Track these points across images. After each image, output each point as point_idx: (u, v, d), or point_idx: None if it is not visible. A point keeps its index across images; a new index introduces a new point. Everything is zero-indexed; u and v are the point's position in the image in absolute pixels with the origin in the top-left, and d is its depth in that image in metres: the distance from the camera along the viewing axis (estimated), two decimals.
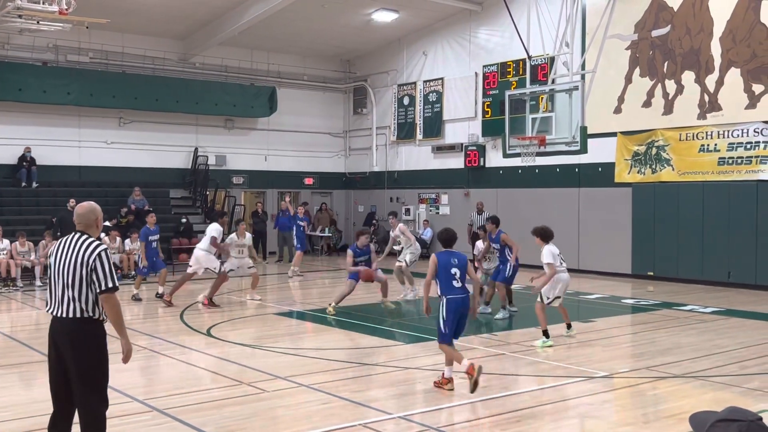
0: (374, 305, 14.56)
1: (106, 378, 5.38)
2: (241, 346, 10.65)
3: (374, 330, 11.94)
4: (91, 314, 5.23)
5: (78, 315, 5.19)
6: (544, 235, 10.96)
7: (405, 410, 7.31)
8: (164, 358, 9.81)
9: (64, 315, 5.20)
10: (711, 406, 6.42)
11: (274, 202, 26.97)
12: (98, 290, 5.19)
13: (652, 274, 18.70)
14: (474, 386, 7.63)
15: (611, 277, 19.32)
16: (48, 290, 5.31)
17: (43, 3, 16.82)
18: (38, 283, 17.54)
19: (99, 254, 5.20)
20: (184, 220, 21.91)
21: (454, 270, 8.00)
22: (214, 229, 14.71)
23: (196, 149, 25.02)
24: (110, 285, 5.20)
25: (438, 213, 25.02)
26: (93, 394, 5.25)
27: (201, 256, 14.50)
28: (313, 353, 10.09)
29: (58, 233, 17.76)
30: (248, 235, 15.71)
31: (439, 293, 8.11)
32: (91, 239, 5.31)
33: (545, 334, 10.58)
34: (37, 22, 17.77)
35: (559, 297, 10.94)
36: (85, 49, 22.98)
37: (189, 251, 21.09)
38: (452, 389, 7.97)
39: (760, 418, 2.23)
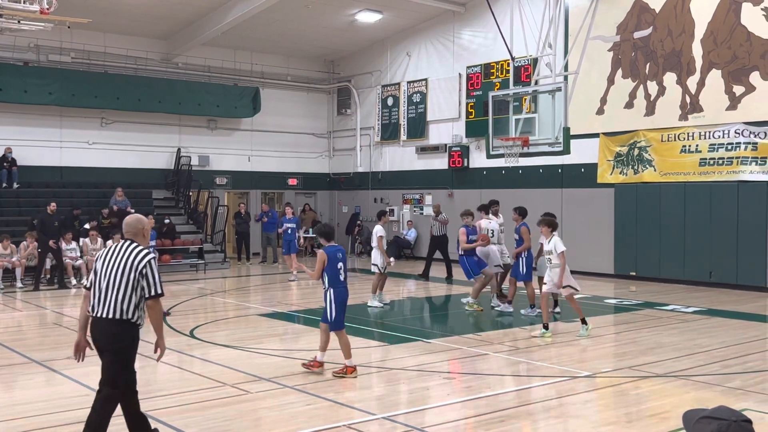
0: (359, 306, 14.56)
1: (127, 374, 5.79)
2: (224, 348, 10.61)
3: (357, 331, 11.92)
4: (129, 317, 5.59)
5: (118, 317, 5.55)
6: (553, 224, 11.79)
7: (389, 411, 7.31)
8: (147, 360, 9.75)
9: (105, 315, 5.57)
10: (693, 405, 6.47)
11: (257, 203, 26.89)
12: (147, 295, 5.60)
13: (634, 274, 18.82)
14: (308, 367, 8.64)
15: (594, 277, 19.40)
16: (92, 292, 5.66)
17: (24, 2, 16.66)
18: (19, 284, 17.37)
19: (149, 261, 5.64)
20: (167, 221, 21.79)
21: (339, 264, 8.70)
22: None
23: (179, 150, 24.90)
24: (159, 291, 5.64)
25: (422, 213, 25.04)
26: (113, 387, 5.74)
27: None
28: (297, 354, 10.07)
29: (58, 233, 17.65)
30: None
31: (326, 285, 8.64)
32: (140, 247, 5.74)
33: (546, 327, 11.06)
34: (18, 22, 17.61)
35: (570, 286, 11.39)
36: (67, 48, 22.81)
37: (171, 252, 21.06)
38: (322, 372, 8.63)
39: (747, 420, 2.25)
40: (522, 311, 13.38)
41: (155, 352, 5.86)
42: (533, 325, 12.21)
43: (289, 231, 20.23)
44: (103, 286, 5.60)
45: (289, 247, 20.04)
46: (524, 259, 13.21)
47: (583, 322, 11.29)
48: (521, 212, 13.65)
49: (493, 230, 14.21)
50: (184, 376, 8.97)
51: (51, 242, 17.41)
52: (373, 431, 6.80)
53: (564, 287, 11.37)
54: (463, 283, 14.79)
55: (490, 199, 15.81)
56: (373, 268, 14.55)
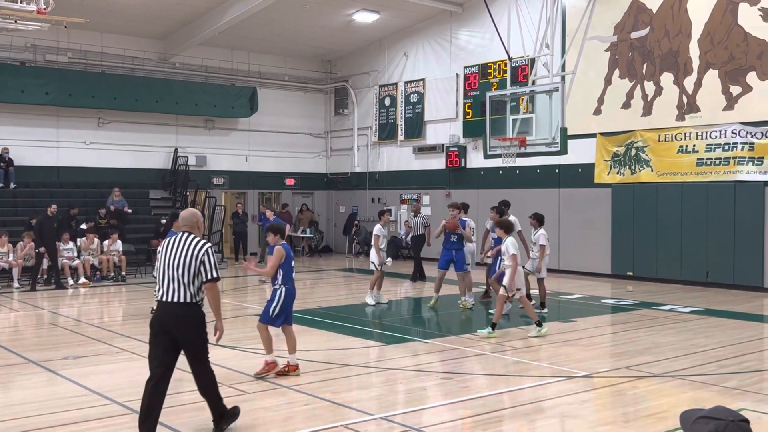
0: (357, 306, 14.57)
1: (207, 346, 6.47)
2: (221, 348, 10.59)
3: (355, 331, 11.93)
4: (194, 300, 6.27)
5: (184, 300, 6.23)
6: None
7: (386, 411, 7.31)
8: (144, 360, 9.73)
9: (174, 300, 6.23)
10: (690, 405, 6.48)
11: (255, 203, 26.88)
12: (205, 279, 6.26)
13: (631, 274, 18.84)
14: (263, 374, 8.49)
15: (591, 277, 19.43)
16: (158, 280, 6.33)
17: (21, 2, 16.63)
18: (16, 285, 17.34)
19: (207, 250, 6.33)
20: (163, 221, 21.74)
21: (293, 263, 8.79)
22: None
23: (176, 150, 24.87)
24: (215, 275, 6.29)
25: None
26: (201, 361, 6.42)
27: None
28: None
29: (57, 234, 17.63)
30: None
31: (279, 282, 8.57)
32: (198, 238, 6.41)
33: (494, 327, 11.10)
34: (15, 22, 17.58)
35: (520, 289, 11.40)
36: (64, 48, 22.78)
37: None
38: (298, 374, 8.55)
39: (745, 420, 2.25)
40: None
41: (214, 335, 6.45)
42: (528, 326, 12.22)
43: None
44: (170, 274, 6.24)
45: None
46: (501, 259, 13.08)
47: (539, 324, 11.28)
48: (499, 212, 13.72)
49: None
50: (181, 376, 8.94)
51: (41, 249, 17.40)
52: (370, 431, 6.80)
53: (518, 289, 11.32)
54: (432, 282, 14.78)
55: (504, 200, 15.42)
56: (372, 266, 14.66)
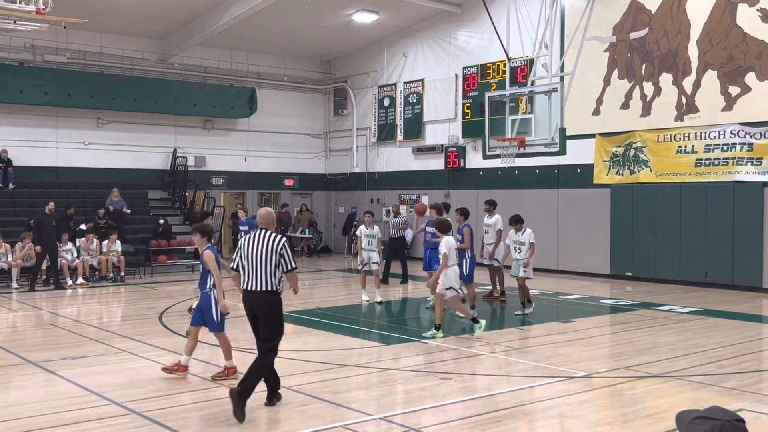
0: (355, 306, 14.57)
1: (282, 330, 7.50)
2: (219, 348, 10.59)
3: (354, 331, 11.93)
4: (275, 288, 7.25)
5: (268, 288, 7.22)
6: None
7: (385, 411, 7.31)
8: (142, 360, 9.74)
9: (259, 289, 7.22)
10: (689, 405, 6.48)
11: (254, 203, 26.88)
12: (285, 270, 7.30)
13: (630, 274, 18.84)
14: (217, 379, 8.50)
15: (590, 277, 19.44)
16: (244, 272, 7.27)
17: (20, 2, 16.62)
18: (15, 285, 17.33)
19: (284, 245, 7.34)
20: (162, 222, 21.77)
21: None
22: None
23: (175, 150, 24.87)
24: (294, 266, 7.36)
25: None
26: (273, 341, 7.35)
27: None
28: (292, 355, 10.06)
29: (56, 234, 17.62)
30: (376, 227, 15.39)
31: (209, 287, 8.54)
32: (275, 234, 7.38)
33: (438, 327, 11.04)
34: (14, 22, 17.57)
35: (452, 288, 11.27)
36: (63, 49, 22.77)
37: (167, 252, 21.04)
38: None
39: (741, 420, 2.25)
40: (516, 312, 13.37)
41: (295, 293, 7.73)
42: (529, 325, 12.24)
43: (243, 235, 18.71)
44: (255, 266, 7.21)
45: None
46: (467, 260, 13.04)
47: (435, 327, 11.14)
48: (464, 213, 13.48)
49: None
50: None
51: (37, 248, 17.39)
52: (369, 431, 6.81)
53: (447, 289, 11.10)
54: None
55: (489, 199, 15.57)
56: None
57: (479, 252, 15.03)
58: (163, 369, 8.65)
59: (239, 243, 7.49)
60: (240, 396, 6.85)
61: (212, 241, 8.85)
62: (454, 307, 11.56)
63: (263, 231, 7.37)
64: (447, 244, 11.04)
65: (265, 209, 7.68)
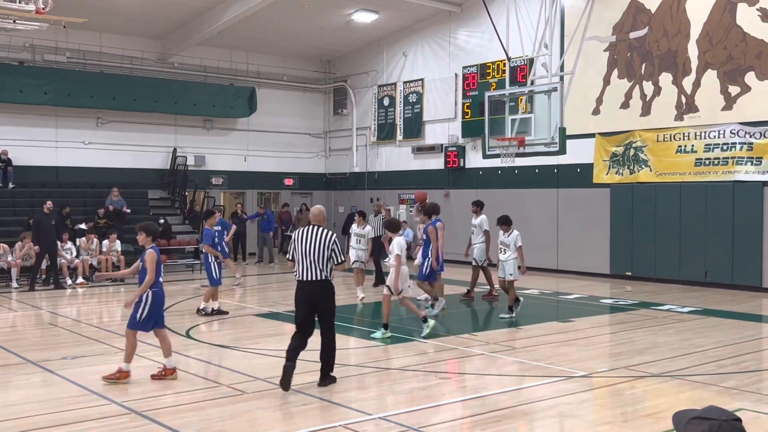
0: (354, 306, 14.58)
1: (335, 311, 8.36)
2: (220, 348, 10.61)
3: (353, 331, 11.94)
4: (327, 277, 8.14)
5: (322, 278, 8.10)
6: (508, 221, 12.91)
7: (385, 411, 7.31)
8: (142, 359, 9.74)
9: (313, 278, 8.08)
10: (688, 405, 6.48)
11: (253, 203, 26.89)
12: (336, 263, 8.23)
13: (630, 274, 18.84)
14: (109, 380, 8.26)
15: (590, 277, 19.44)
16: (299, 264, 8.11)
17: (20, 2, 16.62)
18: (15, 285, 17.33)
19: (335, 240, 8.21)
20: (162, 221, 21.77)
21: (162, 267, 8.72)
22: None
23: (175, 150, 24.87)
24: (343, 259, 8.33)
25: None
26: (329, 321, 8.25)
27: None
28: None
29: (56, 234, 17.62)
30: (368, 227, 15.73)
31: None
32: (326, 230, 8.26)
33: (386, 326, 11.04)
34: (14, 21, 17.57)
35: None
36: (63, 48, 22.78)
37: (167, 252, 21.03)
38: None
39: (737, 419, 2.25)
40: (502, 315, 13.11)
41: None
42: (528, 325, 12.24)
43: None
44: (309, 258, 8.06)
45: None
46: (429, 259, 12.94)
47: (383, 326, 11.10)
48: (427, 212, 13.18)
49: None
50: (180, 376, 8.95)
51: (35, 248, 17.37)
52: (369, 431, 6.80)
53: (401, 292, 11.11)
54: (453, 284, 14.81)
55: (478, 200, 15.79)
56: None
57: (465, 251, 15.15)
58: (104, 378, 8.33)
59: (293, 236, 8.33)
60: (328, 376, 8.16)
61: (157, 240, 8.81)
62: (406, 305, 11.48)
63: (315, 227, 8.25)
64: (398, 245, 10.96)
65: (317, 208, 8.48)
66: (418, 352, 10.33)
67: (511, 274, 12.85)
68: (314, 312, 8.17)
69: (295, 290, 8.19)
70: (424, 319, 11.27)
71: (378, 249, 17.85)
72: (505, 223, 12.96)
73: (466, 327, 12.72)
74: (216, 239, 13.48)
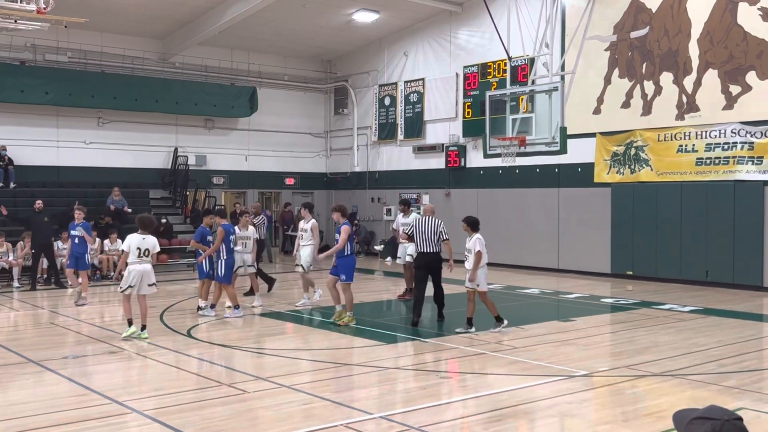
0: (354, 305, 14.57)
1: (441, 274, 12.46)
2: (221, 347, 10.62)
3: (354, 330, 11.93)
4: (437, 251, 12.07)
5: (435, 251, 12.05)
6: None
7: (386, 410, 7.31)
8: (143, 359, 9.75)
9: (429, 251, 12.03)
10: (689, 404, 6.48)
11: (254, 202, 26.88)
12: (443, 239, 12.07)
13: (631, 273, 18.84)
14: None
15: (590, 276, 19.44)
16: (419, 240, 12.04)
17: (21, 2, 16.62)
18: (16, 284, 17.34)
19: (443, 226, 12.16)
20: (164, 221, 21.77)
21: None
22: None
23: (176, 149, 24.88)
24: (447, 237, 12.16)
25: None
26: (439, 281, 12.43)
27: None
28: (293, 354, 10.08)
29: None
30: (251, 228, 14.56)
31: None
32: (437, 219, 12.31)
33: (130, 322, 11.07)
34: (15, 21, 17.57)
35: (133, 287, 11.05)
36: (64, 48, 22.78)
37: (168, 252, 21.04)
38: None
39: (739, 418, 2.25)
40: (457, 330, 13.02)
41: (449, 270, 12.30)
42: (523, 325, 12.23)
43: (76, 240, 14.92)
44: (426, 238, 12.00)
45: (77, 263, 14.99)
46: (224, 260, 12.85)
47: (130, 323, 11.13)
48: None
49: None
50: (181, 375, 8.97)
51: (27, 247, 17.41)
52: (370, 430, 6.81)
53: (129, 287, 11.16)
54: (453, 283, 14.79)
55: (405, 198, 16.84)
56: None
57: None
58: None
59: (414, 222, 12.43)
60: (440, 314, 12.45)
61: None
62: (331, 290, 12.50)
63: (430, 217, 12.36)
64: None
65: (429, 205, 10.88)
66: (419, 351, 10.34)
67: (477, 285, 11.34)
68: (427, 275, 12.01)
69: (415, 259, 12.40)
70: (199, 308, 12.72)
71: (260, 252, 17.32)
72: (470, 225, 11.51)
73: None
74: (209, 238, 13.53)
